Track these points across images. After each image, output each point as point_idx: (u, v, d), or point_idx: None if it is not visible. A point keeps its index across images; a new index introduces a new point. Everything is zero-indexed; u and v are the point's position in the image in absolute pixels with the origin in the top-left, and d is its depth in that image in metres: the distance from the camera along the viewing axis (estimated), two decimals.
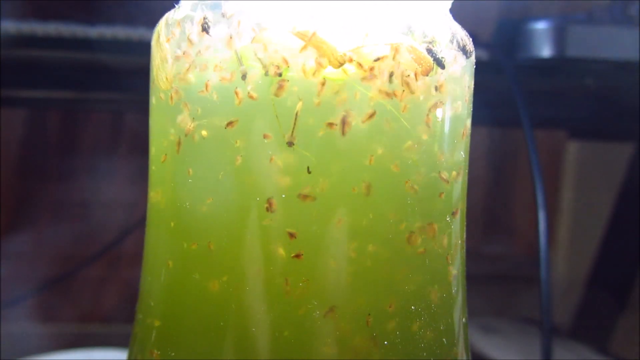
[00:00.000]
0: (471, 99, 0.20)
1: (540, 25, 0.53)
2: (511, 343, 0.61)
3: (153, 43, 0.19)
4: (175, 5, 0.20)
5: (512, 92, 0.49)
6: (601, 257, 0.73)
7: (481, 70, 0.59)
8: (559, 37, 0.52)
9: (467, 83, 0.19)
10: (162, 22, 0.19)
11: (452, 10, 0.21)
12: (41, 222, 0.69)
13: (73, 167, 0.69)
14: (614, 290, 0.72)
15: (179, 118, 0.18)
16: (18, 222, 0.69)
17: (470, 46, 0.19)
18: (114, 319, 0.69)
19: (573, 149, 0.85)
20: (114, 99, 0.61)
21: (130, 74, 0.49)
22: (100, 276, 0.70)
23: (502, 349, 0.59)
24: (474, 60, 0.20)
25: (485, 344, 0.60)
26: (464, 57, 0.18)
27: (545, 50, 0.53)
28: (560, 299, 0.82)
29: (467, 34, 0.19)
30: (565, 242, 0.87)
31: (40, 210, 0.70)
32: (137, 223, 0.64)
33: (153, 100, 0.20)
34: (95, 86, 0.55)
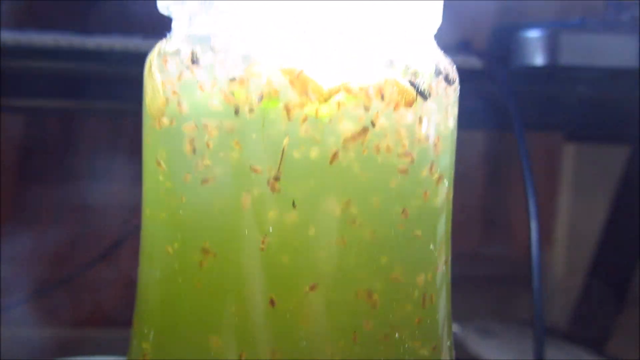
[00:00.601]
0: (455, 125, 0.20)
1: (533, 34, 0.53)
2: (508, 346, 0.61)
3: (145, 72, 0.20)
4: (167, 34, 0.21)
5: (505, 102, 0.49)
6: (598, 258, 0.73)
7: (476, 78, 0.60)
8: (552, 45, 0.53)
9: (450, 111, 0.20)
10: (154, 52, 0.20)
11: (446, 16, 0.21)
12: (40, 224, 0.70)
13: (72, 169, 0.69)
14: (612, 291, 0.72)
15: (170, 147, 0.19)
16: (17, 224, 0.69)
17: (453, 74, 0.20)
18: (113, 322, 0.69)
19: (570, 150, 0.86)
20: (114, 108, 0.62)
21: (128, 83, 0.50)
22: (98, 279, 0.70)
23: (499, 352, 0.59)
24: (458, 87, 0.20)
25: (482, 348, 0.60)
26: (447, 85, 0.19)
27: (538, 59, 0.53)
28: (558, 300, 0.82)
29: (450, 61, 0.20)
30: (562, 244, 0.87)
31: (39, 213, 0.70)
32: (137, 226, 0.65)
33: (146, 127, 0.20)
34: (94, 95, 0.56)
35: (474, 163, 0.84)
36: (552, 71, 0.53)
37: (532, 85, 0.56)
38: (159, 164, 0.19)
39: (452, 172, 0.20)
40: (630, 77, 0.54)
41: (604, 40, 0.54)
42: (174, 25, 0.20)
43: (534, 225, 0.37)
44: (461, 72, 0.59)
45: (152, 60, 0.19)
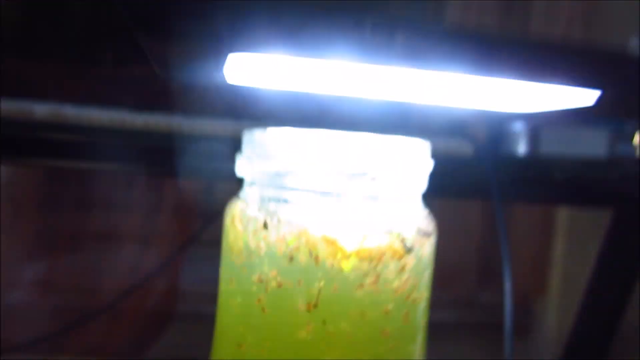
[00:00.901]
0: (432, 259, 0.30)
1: (517, 129, 0.63)
2: None
3: (228, 221, 0.30)
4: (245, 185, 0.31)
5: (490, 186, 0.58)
6: (587, 303, 0.80)
7: (468, 161, 0.69)
8: (532, 139, 0.63)
9: (428, 256, 0.30)
10: (235, 208, 0.30)
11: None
12: (58, 254, 0.73)
13: (91, 199, 0.74)
14: (600, 334, 0.78)
15: (243, 276, 0.29)
16: (35, 254, 0.73)
17: (431, 229, 0.30)
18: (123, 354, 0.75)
19: (563, 207, 0.93)
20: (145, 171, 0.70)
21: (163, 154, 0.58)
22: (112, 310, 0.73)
23: None
24: (435, 236, 0.30)
25: None
26: (426, 237, 0.29)
27: (521, 149, 0.63)
28: (550, 346, 0.89)
29: (430, 218, 0.30)
30: (556, 294, 0.93)
31: (58, 242, 0.75)
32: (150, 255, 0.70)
33: (225, 257, 0.30)
34: (126, 161, 0.61)
35: (472, 211, 0.91)
36: (533, 160, 0.63)
37: (517, 169, 0.65)
38: (231, 282, 0.29)
39: (429, 292, 0.30)
40: (600, 162, 0.63)
41: (579, 134, 0.64)
42: (245, 185, 0.31)
43: (508, 307, 0.47)
44: (455, 157, 0.69)
45: (235, 215, 0.30)
